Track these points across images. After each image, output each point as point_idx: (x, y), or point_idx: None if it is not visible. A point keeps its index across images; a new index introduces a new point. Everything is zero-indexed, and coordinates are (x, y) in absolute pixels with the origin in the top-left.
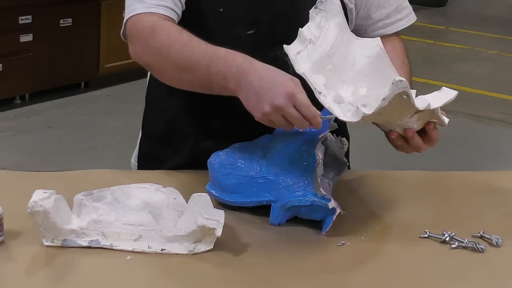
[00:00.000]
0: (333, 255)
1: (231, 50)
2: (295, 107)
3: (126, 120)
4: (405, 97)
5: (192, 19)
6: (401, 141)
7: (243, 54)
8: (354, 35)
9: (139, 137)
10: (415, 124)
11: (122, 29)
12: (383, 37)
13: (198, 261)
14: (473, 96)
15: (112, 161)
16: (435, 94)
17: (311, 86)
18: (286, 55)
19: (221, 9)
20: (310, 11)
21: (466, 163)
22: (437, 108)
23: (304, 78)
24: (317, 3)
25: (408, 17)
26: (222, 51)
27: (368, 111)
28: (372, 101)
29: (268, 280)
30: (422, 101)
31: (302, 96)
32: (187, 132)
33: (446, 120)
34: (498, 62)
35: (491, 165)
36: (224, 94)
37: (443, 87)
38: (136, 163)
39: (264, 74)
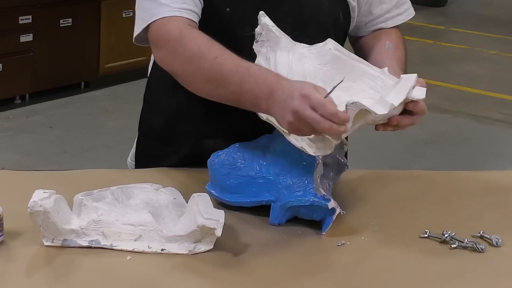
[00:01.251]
0: (333, 255)
1: (263, 68)
2: (312, 108)
3: (126, 120)
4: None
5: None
6: (390, 127)
7: (273, 72)
8: (303, 45)
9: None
10: (395, 111)
11: (138, 33)
12: (382, 30)
13: (198, 261)
14: (473, 96)
15: (112, 161)
16: (396, 87)
17: (278, 130)
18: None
19: (227, 9)
20: (253, 47)
21: (466, 163)
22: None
23: (269, 122)
24: (256, 37)
25: (407, 12)
26: (254, 69)
27: (337, 140)
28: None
29: (268, 280)
30: (384, 105)
31: (317, 96)
32: (188, 131)
33: (422, 92)
34: (498, 62)
35: (491, 165)
36: (255, 111)
37: (402, 75)
38: (133, 162)
39: (287, 87)
